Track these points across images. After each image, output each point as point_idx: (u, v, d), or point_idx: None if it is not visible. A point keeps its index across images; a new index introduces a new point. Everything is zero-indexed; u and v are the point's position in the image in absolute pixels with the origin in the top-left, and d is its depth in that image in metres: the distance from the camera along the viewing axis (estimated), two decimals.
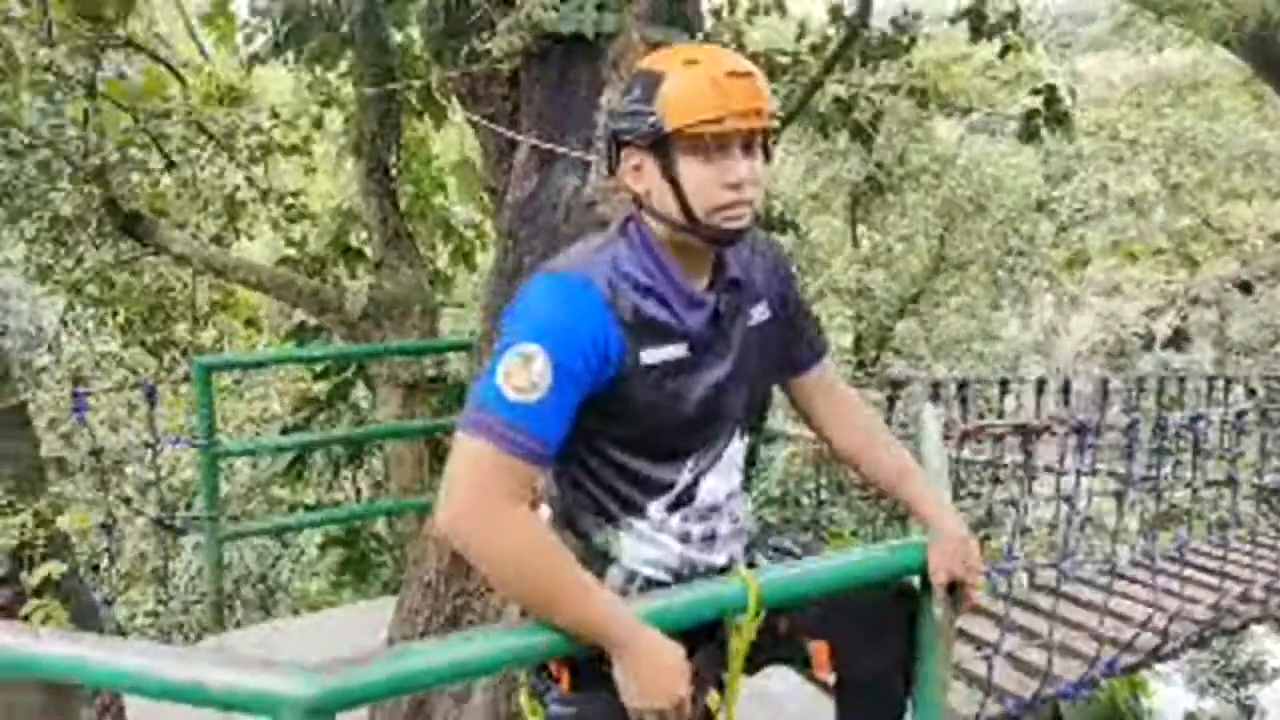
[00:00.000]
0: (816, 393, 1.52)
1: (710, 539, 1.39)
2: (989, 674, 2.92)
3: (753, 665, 1.44)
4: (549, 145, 2.24)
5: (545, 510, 1.42)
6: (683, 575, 1.38)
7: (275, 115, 6.31)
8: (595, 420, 1.28)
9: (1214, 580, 3.80)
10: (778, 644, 1.49)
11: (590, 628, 1.21)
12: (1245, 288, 13.04)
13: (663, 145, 1.23)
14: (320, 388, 5.50)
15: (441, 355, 5.12)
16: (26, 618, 1.68)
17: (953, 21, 6.02)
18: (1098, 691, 3.78)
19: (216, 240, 6.17)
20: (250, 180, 6.31)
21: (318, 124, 6.38)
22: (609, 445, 1.32)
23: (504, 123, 2.61)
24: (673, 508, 1.35)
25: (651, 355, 1.27)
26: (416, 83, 4.48)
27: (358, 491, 6.17)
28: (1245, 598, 3.79)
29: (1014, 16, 5.65)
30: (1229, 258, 13.07)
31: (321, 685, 1.01)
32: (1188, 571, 3.82)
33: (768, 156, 1.28)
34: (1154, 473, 3.69)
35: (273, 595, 6.09)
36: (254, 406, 7.57)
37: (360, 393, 5.46)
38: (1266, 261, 12.57)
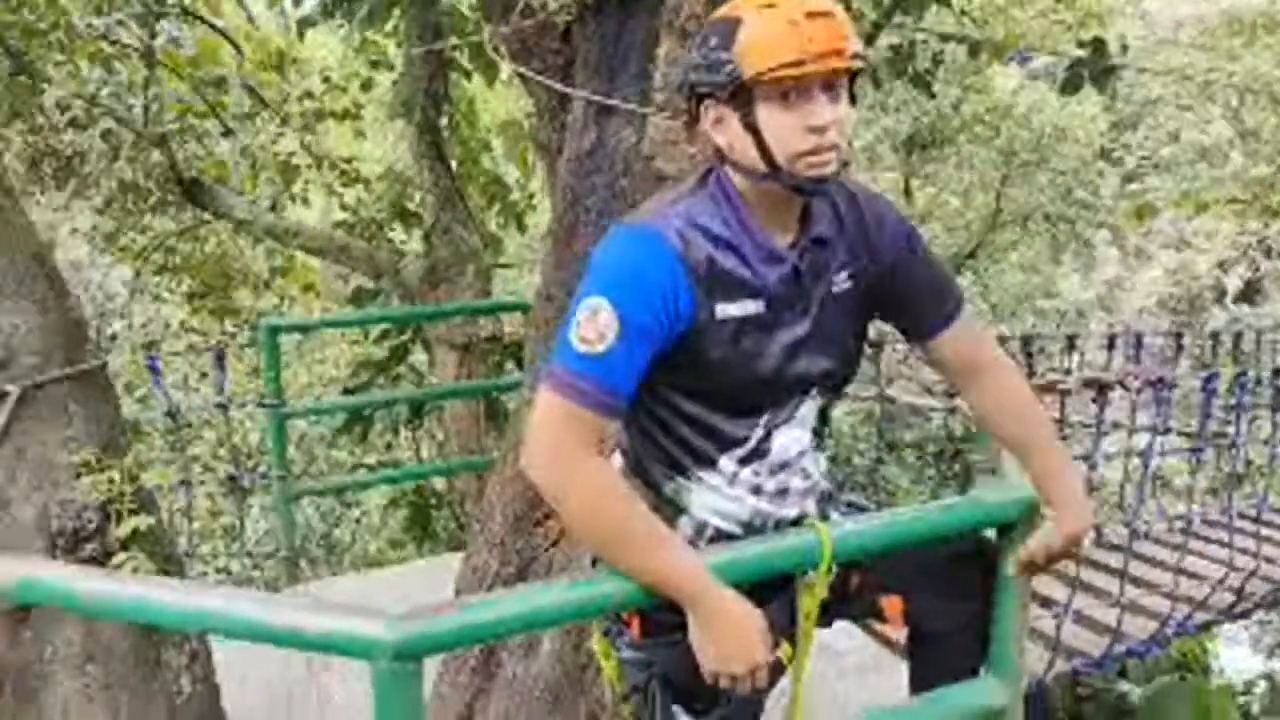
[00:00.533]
0: (951, 355, 1.45)
1: (783, 493, 1.39)
2: (1058, 632, 2.88)
3: (824, 620, 1.44)
4: (604, 99, 2.20)
5: (617, 459, 1.43)
6: (754, 527, 1.38)
7: (326, 80, 6.35)
8: (668, 373, 1.27)
9: None
10: (849, 600, 1.49)
11: (663, 578, 1.22)
12: None
13: (742, 93, 1.20)
14: (379, 350, 5.60)
15: (495, 316, 5.16)
16: (117, 569, 1.77)
17: None
18: (1167, 650, 3.71)
19: (272, 207, 6.28)
20: (305, 145, 6.38)
21: (365, 86, 6.41)
22: (681, 398, 1.31)
23: (557, 78, 2.57)
24: (744, 461, 1.35)
25: (726, 310, 1.26)
26: (466, 40, 4.45)
27: (417, 451, 6.29)
28: None
29: None
30: None
31: (408, 630, 1.05)
32: (1265, 530, 3.69)
33: (853, 100, 1.23)
34: (1230, 429, 3.56)
35: (336, 553, 6.29)
36: (314, 371, 7.75)
37: (419, 355, 5.54)
38: None
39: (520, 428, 2.50)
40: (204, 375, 6.17)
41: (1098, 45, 5.20)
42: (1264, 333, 6.46)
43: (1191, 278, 14.01)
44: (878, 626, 2.52)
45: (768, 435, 1.35)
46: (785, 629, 1.39)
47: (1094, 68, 5.13)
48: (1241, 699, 4.23)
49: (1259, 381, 3.74)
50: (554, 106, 2.72)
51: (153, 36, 5.00)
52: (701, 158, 2.21)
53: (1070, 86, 5.34)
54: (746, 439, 1.33)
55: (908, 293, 1.41)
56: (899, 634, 1.62)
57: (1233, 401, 3.44)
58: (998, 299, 14.14)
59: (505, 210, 6.36)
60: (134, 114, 5.10)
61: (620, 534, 1.22)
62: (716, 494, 1.36)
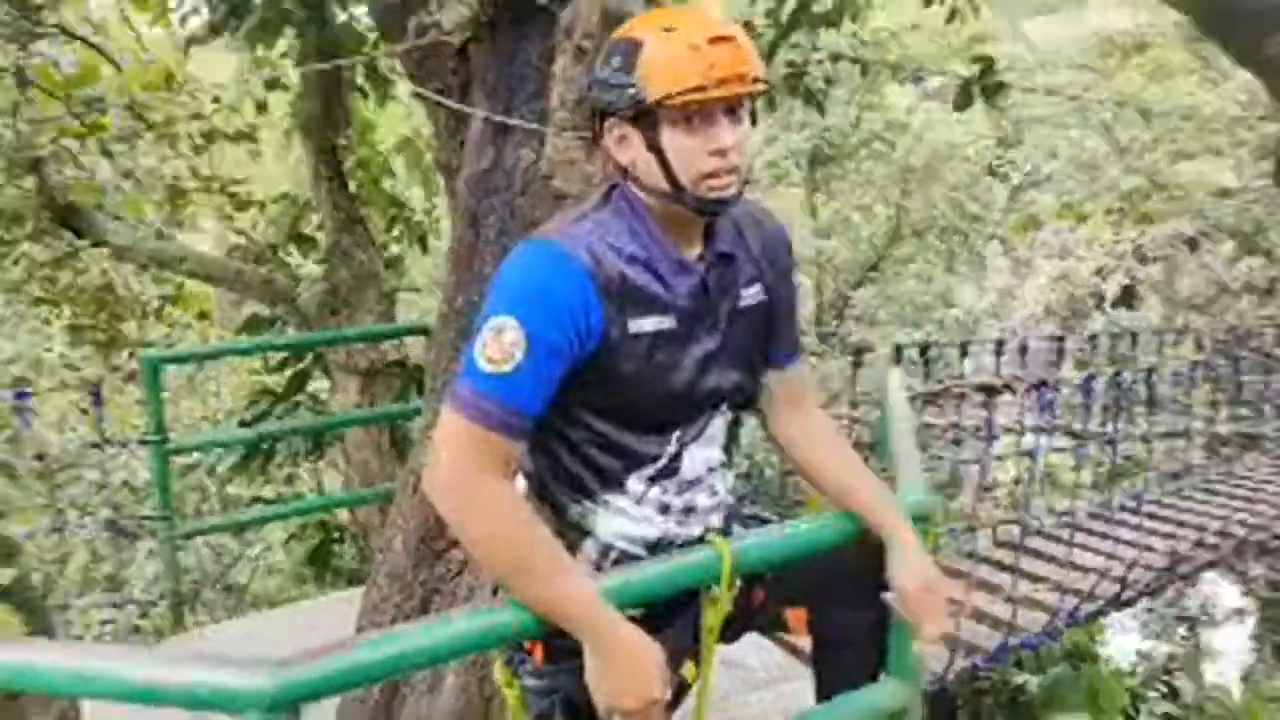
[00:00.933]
0: (787, 392, 1.46)
1: (689, 511, 1.38)
2: (956, 629, 2.98)
3: (730, 635, 1.44)
4: (502, 118, 2.19)
5: (521, 483, 1.40)
6: (660, 547, 1.37)
7: (216, 101, 6.11)
8: (579, 391, 1.25)
9: (1170, 528, 3.92)
10: (754, 614, 1.49)
11: (558, 608, 1.19)
12: (1192, 244, 13.37)
13: (645, 115, 1.20)
14: (277, 379, 5.38)
15: (399, 340, 5.03)
16: None
17: None
18: (1058, 641, 3.89)
19: (159, 234, 5.98)
20: (193, 169, 6.12)
21: (261, 108, 6.20)
22: (593, 417, 1.29)
23: (455, 97, 2.54)
24: (653, 480, 1.34)
25: (639, 325, 1.25)
26: (361, 59, 4.36)
27: (319, 483, 6.07)
28: (1200, 544, 3.92)
29: None
30: (1176, 216, 13.39)
31: (283, 678, 0.97)
32: (1145, 522, 3.93)
33: (754, 119, 1.26)
34: (1109, 427, 3.78)
35: (234, 595, 5.98)
36: (210, 404, 7.39)
37: (321, 383, 5.36)
38: (1211, 217, 12.89)
39: (421, 455, 2.44)
40: (84, 412, 5.80)
41: (987, 64, 5.52)
42: (1139, 335, 6.93)
43: (1074, 285, 14.88)
44: (785, 636, 2.56)
45: (678, 453, 1.34)
46: (691, 646, 1.39)
47: (986, 84, 5.44)
48: (1128, 681, 4.48)
49: (1134, 381, 3.99)
50: (453, 126, 2.69)
51: (27, 56, 4.71)
52: (601, 177, 2.23)
53: (962, 103, 5.64)
54: (657, 457, 1.33)
55: (775, 315, 1.42)
56: (805, 643, 1.64)
57: (1110, 401, 3.66)
58: (899, 309, 14.70)
59: (407, 232, 6.25)
60: (4, 138, 4.79)
61: (519, 561, 1.19)
62: (623, 516, 1.34)
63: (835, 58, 6.76)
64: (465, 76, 2.54)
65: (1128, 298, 14.36)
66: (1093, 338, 5.25)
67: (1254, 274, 12.46)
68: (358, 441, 4.91)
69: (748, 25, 6.23)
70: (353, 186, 5.26)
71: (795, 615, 1.55)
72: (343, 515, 5.40)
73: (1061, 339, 4.90)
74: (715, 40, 1.17)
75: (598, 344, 1.22)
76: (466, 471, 1.18)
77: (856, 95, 13.34)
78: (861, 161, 14.07)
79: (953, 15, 5.79)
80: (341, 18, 4.93)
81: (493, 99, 2.25)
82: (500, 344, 1.17)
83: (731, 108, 1.21)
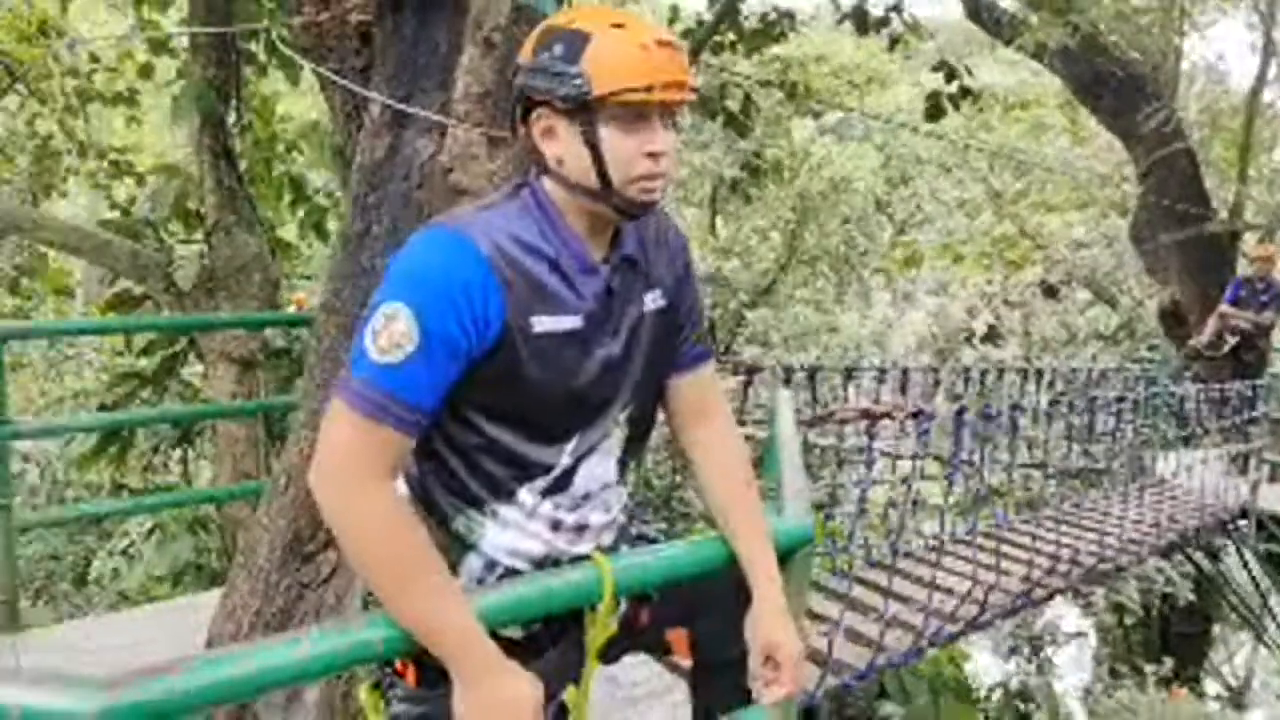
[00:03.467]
0: (691, 398, 1.44)
1: (582, 529, 1.33)
2: (829, 649, 3.05)
3: (613, 656, 1.40)
4: (401, 106, 2.11)
5: (402, 486, 1.32)
6: (546, 565, 1.31)
7: (95, 59, 5.68)
8: (474, 391, 1.19)
9: (1025, 555, 4.15)
10: (638, 635, 1.47)
11: (431, 633, 1.12)
12: (1049, 291, 14.40)
13: (585, 109, 1.17)
14: (145, 363, 5.02)
15: (286, 329, 4.78)
16: None
17: (840, 21, 6.21)
18: (922, 661, 4.05)
19: (24, 200, 5.50)
20: (66, 130, 5.66)
21: (144, 72, 5.80)
22: (486, 421, 1.23)
23: (355, 80, 2.44)
24: (546, 494, 1.28)
25: (542, 322, 1.20)
26: (257, 30, 4.14)
27: (186, 475, 5.69)
28: (1052, 570, 4.16)
29: (898, 8, 5.87)
30: (1038, 263, 14.40)
31: (107, 701, 0.85)
32: (1004, 547, 4.15)
33: (677, 129, 1.24)
34: (976, 456, 3.97)
35: (86, 589, 5.52)
36: (68, 384, 6.84)
37: (197, 368, 5.03)
38: (1067, 267, 13.93)
39: (294, 451, 2.32)
40: None
41: (950, 70, 5.75)
42: (1003, 371, 7.36)
43: (947, 320, 15.74)
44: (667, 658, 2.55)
45: (574, 465, 1.29)
46: (574, 667, 1.34)
47: (953, 92, 5.67)
48: (984, 705, 4.72)
49: (999, 414, 4.22)
50: (351, 110, 2.58)
51: None
52: (502, 175, 2.17)
53: (934, 113, 5.88)
54: (551, 468, 1.27)
55: (678, 319, 1.40)
56: (686, 664, 1.63)
57: (976, 431, 3.85)
58: (789, 331, 15.16)
59: (306, 216, 5.97)
60: None
61: (396, 574, 1.11)
62: (512, 530, 1.28)
63: (765, 83, 6.92)
64: (369, 60, 2.45)
65: (994, 335, 15.31)
66: (966, 371, 5.55)
67: (1100, 322, 13.53)
68: (232, 434, 4.63)
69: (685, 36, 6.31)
70: (246, 165, 4.99)
71: (677, 636, 1.53)
72: (213, 511, 5.08)
73: (937, 370, 5.14)
74: (661, 44, 1.17)
75: (496, 338, 1.17)
76: (351, 468, 1.11)
77: (765, 124, 13.71)
78: (764, 188, 14.46)
79: (894, 43, 5.99)
80: None
81: (393, 85, 2.16)
82: (391, 332, 1.11)
83: (664, 113, 1.20)
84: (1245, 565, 7.37)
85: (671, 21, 6.66)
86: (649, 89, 1.15)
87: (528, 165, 1.28)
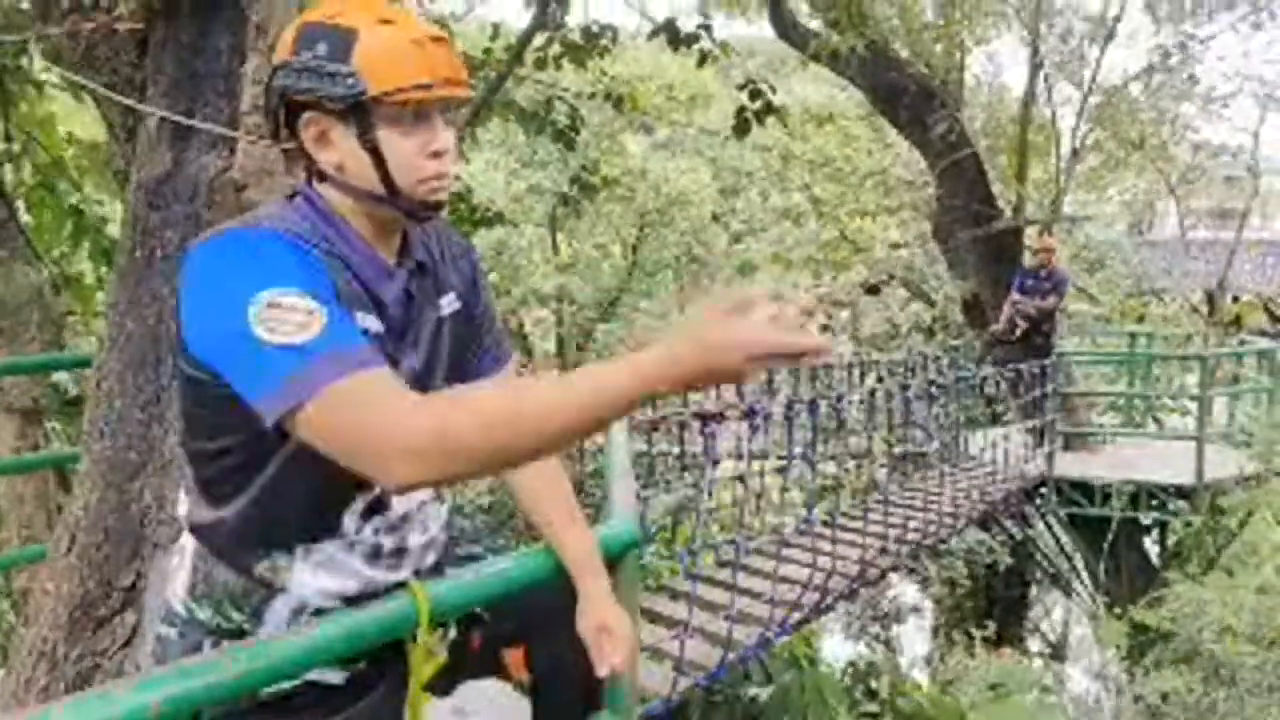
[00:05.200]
0: None
1: (400, 553, 1.25)
2: (681, 651, 3.08)
3: (445, 686, 1.34)
4: (180, 118, 1.94)
5: (189, 541, 1.19)
6: (363, 599, 1.21)
7: None
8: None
9: (858, 539, 4.39)
10: (473, 660, 1.40)
11: (627, 399, 0.97)
12: (872, 290, 15.49)
13: (360, 110, 1.09)
14: None
15: (77, 373, 4.30)
16: None
17: (651, 36, 6.40)
18: (773, 650, 4.19)
19: None
20: None
21: None
22: (294, 444, 1.07)
23: (130, 93, 2.23)
24: (366, 516, 1.19)
25: (360, 320, 1.10)
26: (24, 42, 3.73)
27: None
28: (883, 550, 4.43)
29: (707, 28, 6.11)
30: (861, 265, 15.45)
31: None
32: (839, 534, 4.36)
33: (460, 134, 1.20)
34: (810, 449, 4.16)
35: None
36: None
37: None
38: (886, 267, 15.05)
39: (78, 504, 2.08)
40: None
41: (755, 89, 6.00)
42: (833, 368, 7.79)
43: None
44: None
45: None
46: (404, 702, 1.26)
47: (757, 110, 5.91)
48: (839, 680, 4.96)
49: (828, 408, 4.45)
50: (130, 126, 2.36)
51: None
52: (294, 178, 2.05)
53: (741, 129, 6.10)
54: (364, 487, 1.17)
55: (476, 327, 1.36)
56: (524, 680, 1.58)
57: (808, 426, 4.04)
58: (636, 343, 15.42)
59: (91, 247, 5.42)
60: None
61: (542, 418, 0.96)
62: (325, 567, 1.18)
63: (591, 95, 6.97)
64: (147, 73, 2.25)
65: (825, 334, 16.29)
66: (796, 370, 5.84)
67: (919, 316, 14.68)
68: (16, 493, 4.11)
69: (488, 52, 6.26)
70: (21, 191, 4.47)
71: (514, 658, 1.48)
72: None
73: (770, 369, 5.37)
74: (434, 39, 1.12)
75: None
76: (404, 413, 0.95)
77: (598, 140, 13.93)
78: (602, 204, 14.67)
79: (703, 60, 6.21)
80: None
81: (172, 97, 2.00)
82: (290, 313, 0.97)
83: (443, 111, 1.16)
84: (1050, 529, 8.17)
85: (494, 38, 6.61)
86: (429, 86, 1.10)
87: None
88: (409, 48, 1.10)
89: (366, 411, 0.96)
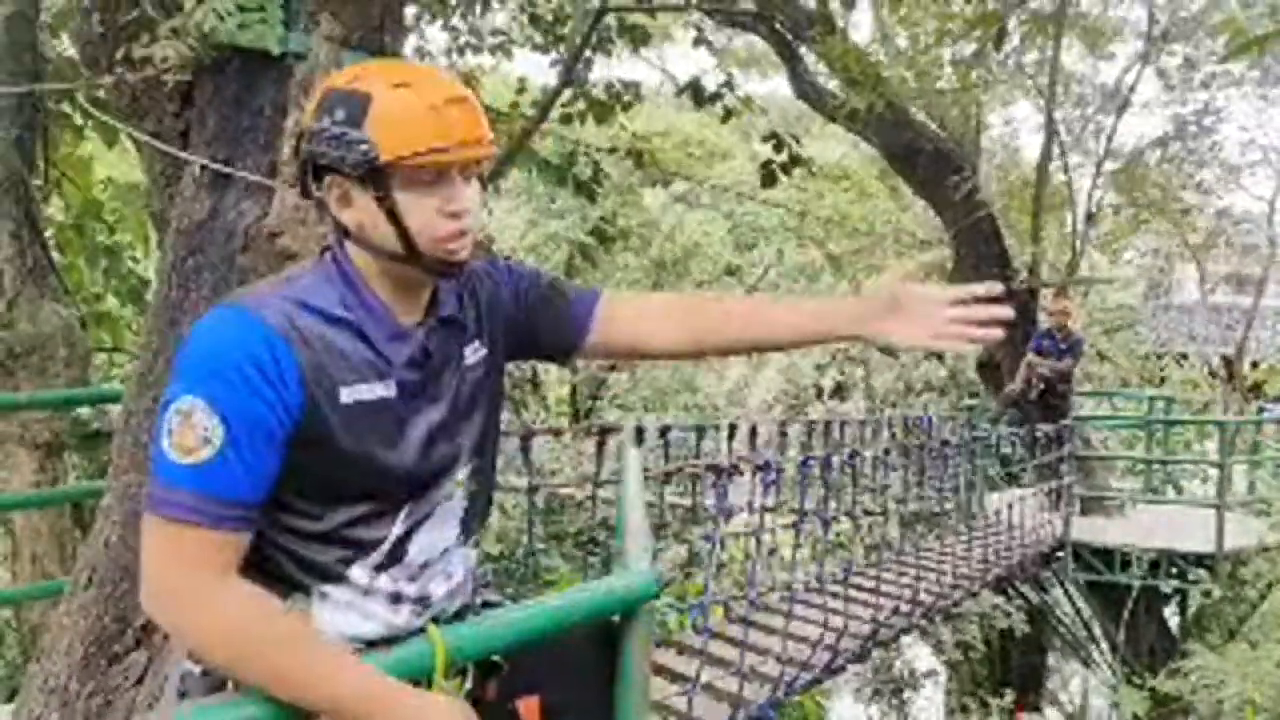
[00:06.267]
0: (622, 322, 1.42)
1: (424, 600, 1.26)
2: (689, 707, 3.03)
3: None
4: (219, 167, 2.02)
5: None
6: (383, 644, 1.22)
7: None
8: (292, 472, 1.11)
9: (871, 598, 4.32)
10: (485, 710, 1.40)
11: (351, 700, 1.08)
12: (886, 348, 15.50)
13: (376, 175, 1.12)
14: None
15: (100, 409, 4.36)
16: None
17: (679, 93, 6.60)
18: (783, 710, 4.10)
19: None
20: None
21: None
22: (305, 501, 1.15)
23: (174, 142, 2.32)
24: (380, 569, 1.20)
25: (351, 393, 1.13)
26: (63, 90, 3.88)
27: None
28: (896, 611, 4.35)
29: (730, 85, 6.29)
30: None
31: None
32: (851, 592, 4.31)
33: (483, 183, 1.22)
34: (822, 506, 4.13)
35: None
36: None
37: None
38: None
39: (99, 540, 2.10)
40: None
41: (778, 140, 6.13)
42: (847, 424, 7.76)
43: (798, 377, 16.55)
44: None
45: (407, 535, 1.22)
46: None
47: (782, 161, 6.05)
48: None
49: (841, 464, 4.42)
50: (171, 173, 2.45)
51: None
52: (327, 227, 2.11)
53: (767, 180, 6.23)
54: (382, 540, 1.19)
55: (540, 307, 1.39)
56: None
57: (821, 481, 4.03)
58: (647, 393, 15.42)
59: (121, 284, 5.55)
60: None
61: (293, 662, 1.05)
62: (347, 610, 1.19)
63: (612, 150, 7.14)
64: (189, 122, 2.34)
65: (840, 391, 16.22)
66: (811, 424, 5.82)
67: (931, 375, 14.66)
68: (32, 528, 4.14)
69: (513, 106, 6.44)
70: (52, 231, 4.60)
71: (528, 707, 1.47)
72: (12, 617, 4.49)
73: (784, 423, 5.36)
74: (451, 101, 1.13)
75: (301, 408, 1.10)
76: (192, 577, 1.03)
77: (616, 192, 14.16)
78: (617, 254, 14.83)
79: (728, 116, 6.38)
80: (59, 47, 4.39)
81: (214, 146, 2.08)
82: (191, 430, 1.03)
83: (464, 168, 1.17)
84: (1068, 595, 8.01)
85: (520, 92, 6.80)
86: (444, 150, 1.12)
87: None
88: (424, 113, 1.11)
89: (157, 559, 1.05)
